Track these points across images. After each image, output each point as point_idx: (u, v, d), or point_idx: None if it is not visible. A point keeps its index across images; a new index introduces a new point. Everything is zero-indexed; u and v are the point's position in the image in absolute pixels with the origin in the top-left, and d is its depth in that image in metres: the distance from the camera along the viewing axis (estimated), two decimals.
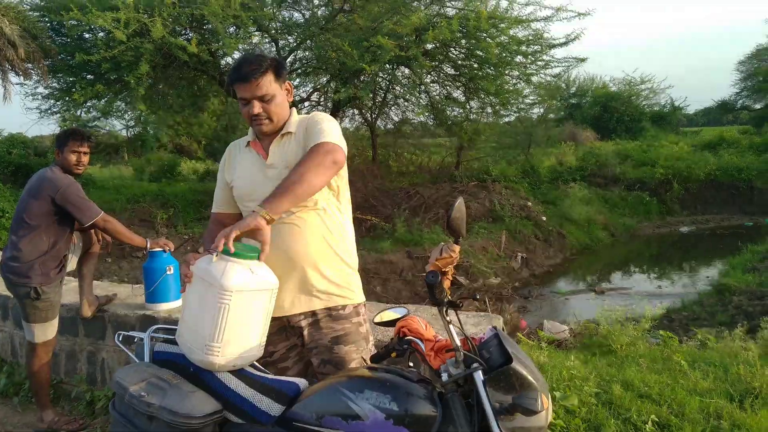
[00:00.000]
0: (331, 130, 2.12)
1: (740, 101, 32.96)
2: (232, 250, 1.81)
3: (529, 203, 15.02)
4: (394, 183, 15.48)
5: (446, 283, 1.81)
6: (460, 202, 1.83)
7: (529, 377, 1.75)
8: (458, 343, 1.81)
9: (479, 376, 1.76)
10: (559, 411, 3.40)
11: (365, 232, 12.88)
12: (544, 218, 14.39)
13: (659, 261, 14.04)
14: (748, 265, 11.08)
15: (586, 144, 23.09)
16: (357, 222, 13.12)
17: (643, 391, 3.76)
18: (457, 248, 1.79)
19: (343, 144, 2.11)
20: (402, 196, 14.17)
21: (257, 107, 2.14)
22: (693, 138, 24.78)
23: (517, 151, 18.94)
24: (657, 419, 3.35)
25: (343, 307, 2.25)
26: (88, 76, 12.05)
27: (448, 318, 1.81)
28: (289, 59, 12.87)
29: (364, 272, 10.89)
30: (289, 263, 2.13)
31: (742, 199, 17.76)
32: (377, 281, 10.99)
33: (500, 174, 16.46)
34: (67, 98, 12.17)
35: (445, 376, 1.84)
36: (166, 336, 2.19)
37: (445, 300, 1.78)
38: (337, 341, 2.21)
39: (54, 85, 12.90)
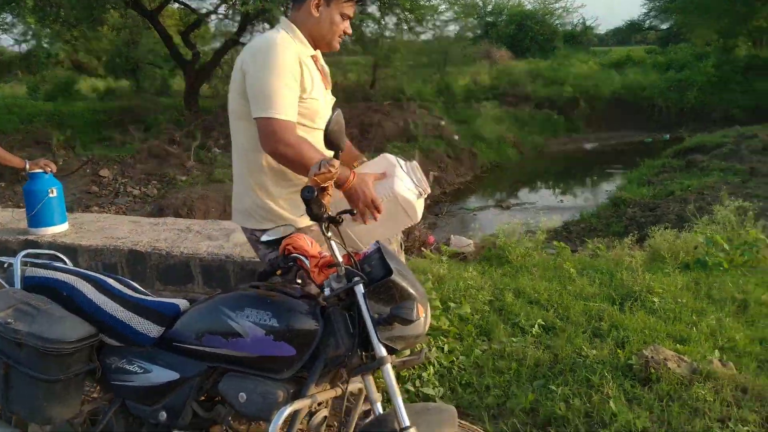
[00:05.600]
0: None
1: (648, 21, 33.94)
2: None
3: (443, 122, 15.14)
4: None
5: (327, 199, 1.80)
6: (338, 114, 1.80)
7: (409, 288, 1.80)
8: (339, 258, 1.83)
9: (360, 289, 1.79)
10: (453, 319, 3.57)
11: None
12: (457, 137, 14.60)
13: (564, 177, 14.65)
14: (643, 178, 11.74)
15: (501, 63, 23.25)
16: None
17: (533, 298, 4.00)
18: (336, 163, 1.76)
19: None
20: None
21: (350, 28, 2.22)
22: (602, 57, 25.40)
23: (432, 70, 18.85)
24: (543, 323, 3.59)
25: None
26: None
27: (328, 234, 1.81)
28: None
29: None
30: None
31: (644, 116, 18.57)
32: None
33: (415, 93, 16.41)
34: None
35: (327, 291, 1.86)
36: (38, 261, 2.09)
37: (325, 216, 1.77)
38: None
39: None
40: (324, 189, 1.80)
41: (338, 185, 2.03)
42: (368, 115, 14.26)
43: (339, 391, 1.91)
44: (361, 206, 2.07)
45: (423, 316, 1.83)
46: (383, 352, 1.76)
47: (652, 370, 2.82)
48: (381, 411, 1.80)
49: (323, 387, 1.87)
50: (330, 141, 1.79)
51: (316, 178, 1.78)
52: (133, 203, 10.01)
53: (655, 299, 3.81)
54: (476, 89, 18.79)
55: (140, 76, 18.97)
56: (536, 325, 3.54)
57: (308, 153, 2.01)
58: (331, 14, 2.14)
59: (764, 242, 4.80)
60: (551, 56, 25.52)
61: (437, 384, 2.95)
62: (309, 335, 1.80)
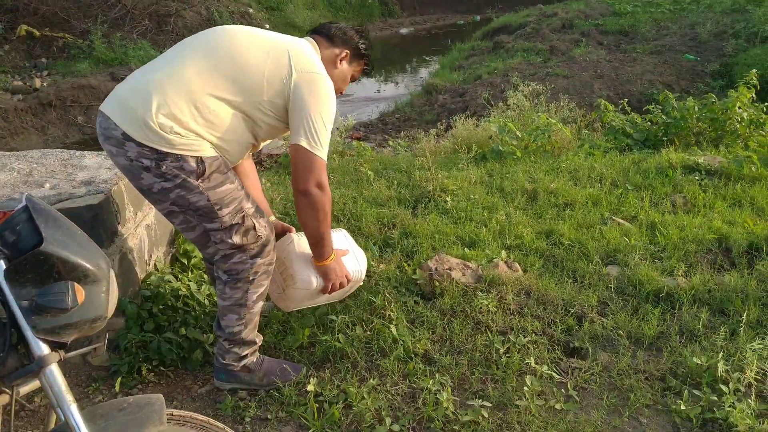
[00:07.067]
0: None
1: None
2: None
3: (251, 9, 13.95)
4: None
5: None
6: None
7: (73, 259, 1.30)
8: None
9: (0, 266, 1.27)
10: None
11: (58, 53, 10.98)
12: (267, 26, 13.53)
13: (382, 64, 14.33)
14: (455, 63, 11.77)
15: None
16: (47, 41, 11.07)
17: None
18: None
19: None
20: (99, 6, 12.07)
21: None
22: None
23: None
24: None
25: None
26: None
27: None
28: None
29: (61, 101, 9.37)
30: None
31: None
32: (78, 110, 9.54)
33: None
34: None
35: None
36: None
37: None
38: None
39: None
40: None
41: (318, 258, 2.17)
42: (164, 4, 12.65)
43: (5, 399, 1.43)
44: (335, 282, 2.22)
45: (105, 297, 1.36)
46: (43, 350, 1.28)
47: (436, 283, 2.62)
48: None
49: None
50: None
51: None
52: None
53: (448, 198, 3.63)
54: None
55: None
56: None
57: (329, 205, 2.08)
58: (347, 71, 2.24)
59: (555, 126, 4.82)
60: None
61: (206, 329, 2.54)
62: None
